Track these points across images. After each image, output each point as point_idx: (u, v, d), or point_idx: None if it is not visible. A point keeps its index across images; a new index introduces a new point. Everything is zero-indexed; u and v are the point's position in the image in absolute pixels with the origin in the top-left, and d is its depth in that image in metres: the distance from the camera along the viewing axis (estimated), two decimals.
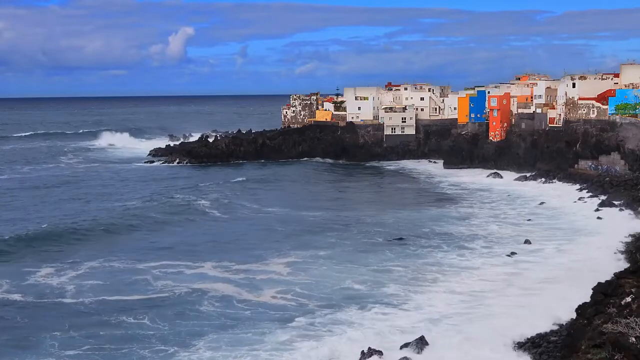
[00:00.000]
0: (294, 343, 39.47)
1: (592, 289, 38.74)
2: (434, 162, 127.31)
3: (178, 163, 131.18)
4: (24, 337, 41.13)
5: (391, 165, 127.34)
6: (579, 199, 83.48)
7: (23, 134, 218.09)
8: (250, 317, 43.96)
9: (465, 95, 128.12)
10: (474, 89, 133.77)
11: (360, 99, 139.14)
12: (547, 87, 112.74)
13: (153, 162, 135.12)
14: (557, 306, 43.28)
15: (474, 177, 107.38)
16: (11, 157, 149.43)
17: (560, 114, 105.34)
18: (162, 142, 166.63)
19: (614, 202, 76.43)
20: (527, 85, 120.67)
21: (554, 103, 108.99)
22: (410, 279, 51.72)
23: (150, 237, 68.58)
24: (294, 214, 79.49)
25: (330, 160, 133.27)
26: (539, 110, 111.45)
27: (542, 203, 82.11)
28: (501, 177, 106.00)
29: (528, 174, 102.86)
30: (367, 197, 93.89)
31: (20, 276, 53.36)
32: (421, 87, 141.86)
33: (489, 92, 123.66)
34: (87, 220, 72.79)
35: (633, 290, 34.07)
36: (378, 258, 57.84)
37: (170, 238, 67.44)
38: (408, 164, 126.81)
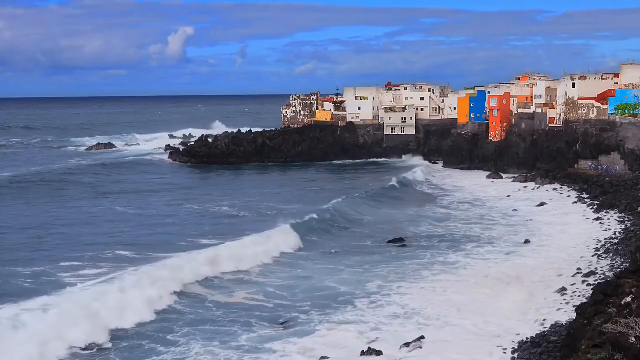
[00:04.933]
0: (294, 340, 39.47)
1: (592, 289, 38.69)
2: (434, 162, 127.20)
3: (178, 163, 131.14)
4: None
5: (391, 165, 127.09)
6: (579, 199, 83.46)
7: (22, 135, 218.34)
8: (240, 316, 43.79)
9: (465, 95, 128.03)
10: (474, 89, 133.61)
11: (360, 99, 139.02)
12: (547, 87, 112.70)
13: (153, 162, 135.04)
14: (557, 306, 43.36)
15: (474, 178, 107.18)
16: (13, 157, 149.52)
17: (560, 114, 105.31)
18: (162, 142, 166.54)
19: (614, 202, 76.39)
20: (527, 85, 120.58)
21: (554, 103, 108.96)
22: (410, 279, 51.64)
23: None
24: None
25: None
26: (539, 110, 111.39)
27: (541, 203, 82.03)
28: (501, 177, 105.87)
29: (528, 174, 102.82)
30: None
31: None
32: (421, 87, 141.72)
33: (489, 92, 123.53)
34: None
35: (633, 290, 33.93)
36: (377, 258, 57.78)
37: None
38: (408, 165, 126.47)
